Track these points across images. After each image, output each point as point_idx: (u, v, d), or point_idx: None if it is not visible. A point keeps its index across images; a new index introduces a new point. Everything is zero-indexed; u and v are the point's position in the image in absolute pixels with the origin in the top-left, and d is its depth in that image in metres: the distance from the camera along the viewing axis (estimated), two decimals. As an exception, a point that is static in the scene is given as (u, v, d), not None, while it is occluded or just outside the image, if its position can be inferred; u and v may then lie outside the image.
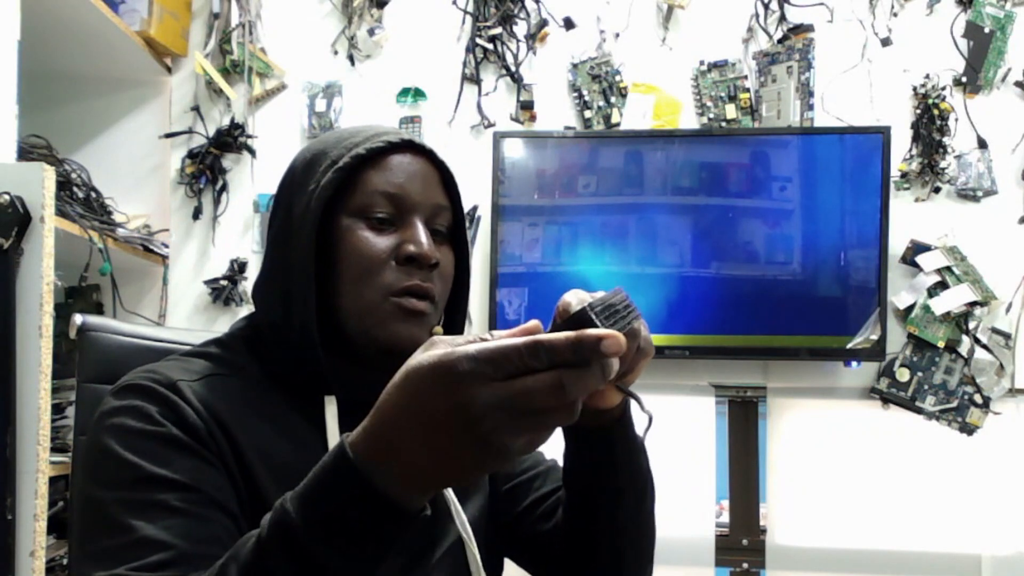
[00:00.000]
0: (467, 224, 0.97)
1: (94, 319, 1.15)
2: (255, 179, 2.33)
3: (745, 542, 2.15)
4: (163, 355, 0.92)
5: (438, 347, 0.57)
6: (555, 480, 1.06)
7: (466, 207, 2.31)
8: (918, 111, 2.14)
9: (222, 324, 2.29)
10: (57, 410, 1.79)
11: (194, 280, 2.32)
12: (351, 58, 2.33)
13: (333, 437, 0.87)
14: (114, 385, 0.86)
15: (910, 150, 2.14)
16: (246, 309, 2.30)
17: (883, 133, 2.06)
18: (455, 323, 0.98)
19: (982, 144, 2.12)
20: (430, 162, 0.94)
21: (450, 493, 0.91)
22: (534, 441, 0.57)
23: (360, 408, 0.88)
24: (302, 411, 0.89)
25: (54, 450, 1.63)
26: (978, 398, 2.08)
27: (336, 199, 0.89)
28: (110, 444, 0.79)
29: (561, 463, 0.96)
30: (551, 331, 0.58)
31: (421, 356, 0.57)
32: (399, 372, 0.59)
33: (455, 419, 0.55)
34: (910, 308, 2.10)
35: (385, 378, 0.92)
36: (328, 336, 0.89)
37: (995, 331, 2.09)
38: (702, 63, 2.22)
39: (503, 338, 0.56)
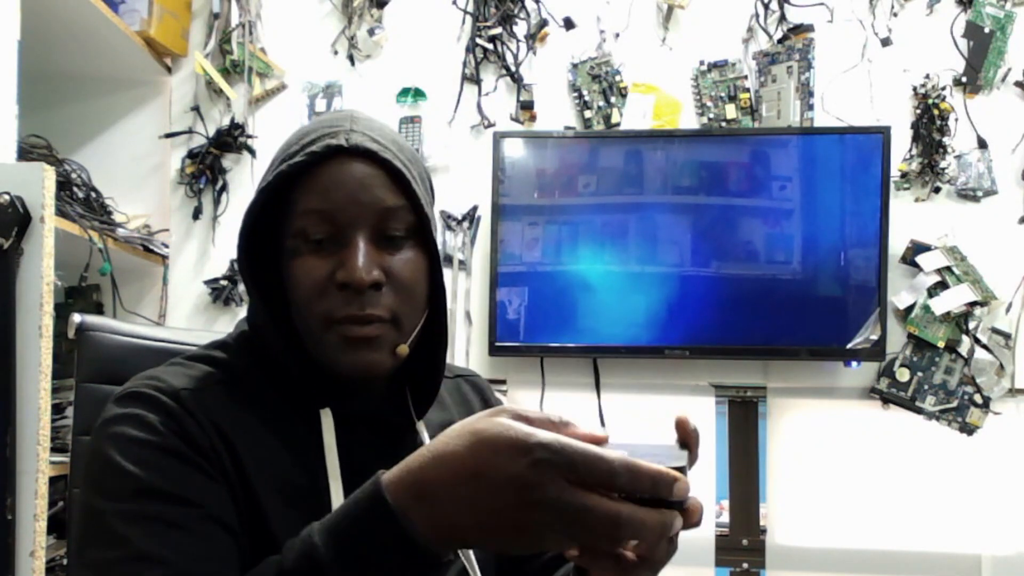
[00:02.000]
0: (433, 217, 0.89)
1: (92, 319, 1.15)
2: (255, 179, 2.33)
3: (745, 542, 2.15)
4: (162, 355, 0.91)
5: (512, 421, 0.57)
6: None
7: (466, 207, 2.33)
8: (918, 111, 2.14)
9: (222, 324, 2.29)
10: (57, 410, 1.78)
11: (194, 280, 2.33)
12: (351, 58, 2.33)
13: (331, 451, 0.85)
14: (117, 392, 0.84)
15: (910, 150, 2.14)
16: (246, 309, 2.30)
17: (883, 133, 2.06)
18: (433, 332, 0.91)
19: (982, 144, 2.12)
20: (372, 163, 0.84)
21: None
22: (567, 546, 0.57)
23: (354, 422, 0.88)
24: (301, 421, 0.87)
25: (54, 450, 1.63)
26: (978, 398, 2.08)
27: (278, 218, 0.86)
28: (111, 453, 0.78)
29: None
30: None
31: (496, 424, 0.57)
32: (467, 430, 0.58)
33: (512, 498, 0.55)
34: (910, 308, 2.10)
35: (373, 394, 0.91)
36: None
37: (995, 331, 2.09)
38: (702, 63, 2.22)
39: (578, 435, 0.57)
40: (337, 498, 0.83)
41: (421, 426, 0.94)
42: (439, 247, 2.24)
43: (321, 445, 0.86)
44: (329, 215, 0.83)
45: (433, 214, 0.90)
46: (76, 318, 1.13)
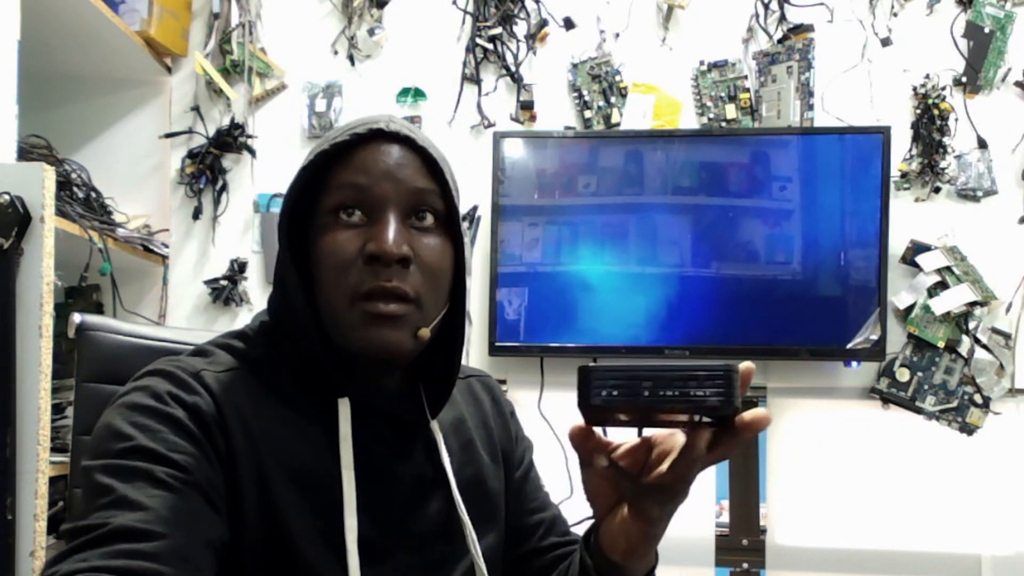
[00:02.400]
0: (460, 213, 0.91)
1: (93, 318, 1.15)
2: (255, 179, 2.33)
3: (745, 542, 2.15)
4: (163, 355, 0.91)
5: None
6: (559, 533, 1.05)
7: (466, 207, 2.33)
8: (918, 111, 2.14)
9: (222, 324, 2.29)
10: (57, 410, 1.79)
11: (194, 280, 2.32)
12: (351, 58, 2.33)
13: (345, 441, 0.85)
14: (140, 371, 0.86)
15: (910, 150, 2.14)
16: (246, 309, 2.30)
17: (883, 133, 2.06)
18: (454, 319, 0.92)
19: (982, 144, 2.12)
20: (409, 148, 0.87)
21: (469, 525, 0.90)
22: None
23: (369, 414, 0.88)
24: (317, 411, 0.87)
25: (54, 450, 1.63)
26: (978, 398, 2.08)
27: (314, 198, 0.87)
28: (113, 418, 0.79)
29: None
30: None
31: None
32: None
33: None
34: (910, 308, 2.10)
35: (389, 387, 0.92)
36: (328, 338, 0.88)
37: (995, 331, 2.09)
38: (702, 63, 2.22)
39: None
40: (349, 488, 0.83)
41: (435, 425, 0.94)
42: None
43: (336, 436, 0.86)
44: (364, 189, 0.85)
45: (459, 211, 0.91)
46: (76, 318, 1.13)
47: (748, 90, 2.21)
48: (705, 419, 0.68)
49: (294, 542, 0.80)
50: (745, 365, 0.70)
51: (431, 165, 0.88)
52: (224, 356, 0.88)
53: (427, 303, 0.87)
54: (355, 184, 0.85)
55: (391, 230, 0.84)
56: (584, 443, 0.79)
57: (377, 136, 0.86)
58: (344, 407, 0.86)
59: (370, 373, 0.90)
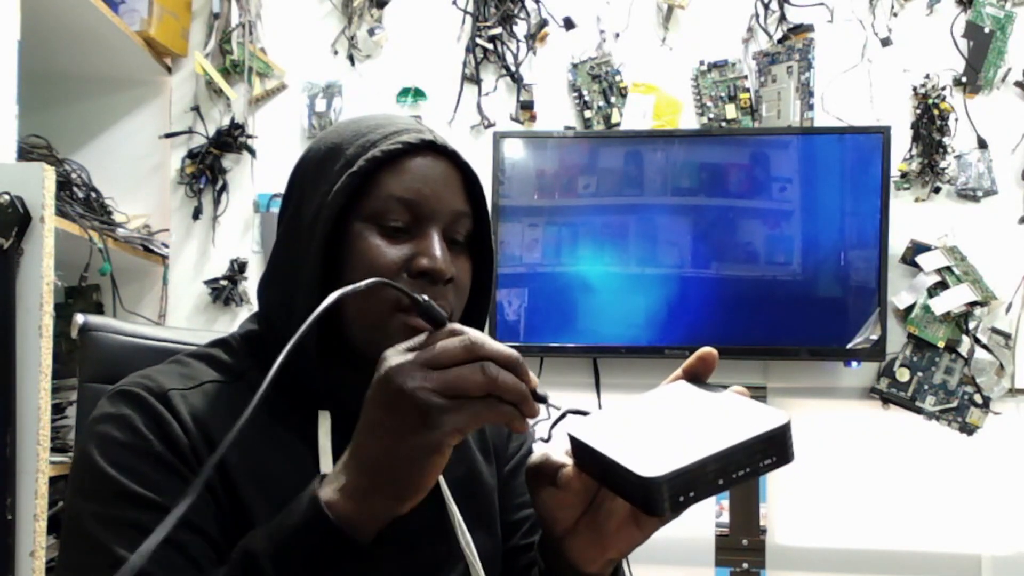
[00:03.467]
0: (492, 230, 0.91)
1: (95, 319, 1.15)
2: (255, 179, 2.33)
3: (745, 542, 2.15)
4: (164, 355, 0.91)
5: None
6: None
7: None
8: (918, 111, 2.14)
9: (222, 324, 2.29)
10: (57, 410, 1.79)
11: (194, 280, 2.32)
12: (351, 58, 2.33)
13: (324, 453, 0.84)
14: (111, 388, 0.84)
15: (910, 150, 2.14)
16: (246, 309, 2.30)
17: (883, 133, 2.06)
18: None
19: (982, 144, 2.12)
20: (452, 164, 0.87)
21: (460, 523, 0.88)
22: (465, 421, 0.65)
23: (354, 422, 0.87)
24: (298, 422, 0.86)
25: (54, 450, 1.63)
26: (978, 398, 2.08)
27: (349, 201, 0.84)
28: (93, 454, 0.79)
29: None
30: None
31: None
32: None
33: (397, 410, 0.65)
34: (910, 308, 2.10)
35: None
36: (331, 344, 0.86)
37: (995, 331, 2.09)
38: (702, 63, 2.22)
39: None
40: None
41: None
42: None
43: (316, 447, 0.84)
44: (413, 205, 0.84)
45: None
46: (79, 318, 1.13)
47: (748, 90, 2.21)
48: None
49: None
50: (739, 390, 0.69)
51: (470, 183, 0.89)
52: (200, 368, 0.87)
53: (455, 321, 0.86)
54: (404, 199, 0.84)
55: (441, 248, 0.84)
56: (542, 466, 0.75)
57: (429, 147, 0.86)
58: (324, 420, 0.85)
59: (365, 378, 0.89)
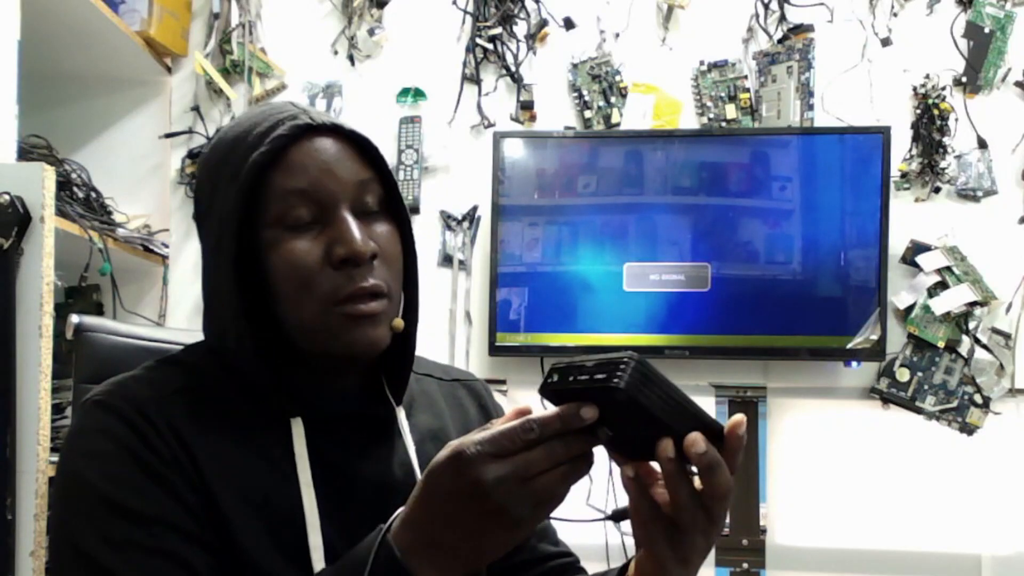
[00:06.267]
0: (400, 190, 0.90)
1: (90, 319, 1.15)
2: (255, 179, 2.33)
3: (745, 542, 2.14)
4: (160, 355, 0.91)
5: (452, 442, 0.65)
6: (551, 541, 1.03)
7: (466, 207, 2.33)
8: (918, 111, 2.14)
9: (222, 324, 2.29)
10: (57, 410, 1.78)
11: (194, 280, 2.32)
12: (351, 58, 2.33)
13: (301, 459, 0.83)
14: (84, 398, 0.83)
15: (910, 150, 2.14)
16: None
17: (883, 133, 2.06)
18: (411, 302, 0.89)
19: (982, 144, 2.12)
20: (340, 138, 0.84)
21: None
22: (542, 506, 0.65)
23: (330, 424, 0.87)
24: (272, 429, 0.84)
25: (54, 450, 1.63)
26: (978, 398, 2.08)
27: (252, 211, 0.82)
28: (81, 469, 0.78)
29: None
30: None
31: (440, 453, 0.65)
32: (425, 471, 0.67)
33: (472, 497, 0.63)
34: (910, 308, 2.10)
35: (350, 388, 0.90)
36: (283, 352, 0.86)
37: (995, 331, 2.09)
38: (702, 63, 2.22)
39: (498, 423, 0.65)
40: (310, 507, 0.82)
41: (400, 412, 0.92)
42: (440, 246, 2.25)
43: (292, 452, 0.84)
44: (310, 194, 0.81)
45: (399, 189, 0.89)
46: (74, 319, 1.13)
47: (748, 90, 2.20)
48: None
49: (255, 563, 0.79)
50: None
51: (363, 150, 0.85)
52: (171, 375, 0.86)
53: (394, 293, 0.86)
54: (298, 190, 0.81)
55: (354, 229, 0.81)
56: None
57: (305, 132, 0.82)
58: (297, 427, 0.84)
59: (329, 378, 0.88)
